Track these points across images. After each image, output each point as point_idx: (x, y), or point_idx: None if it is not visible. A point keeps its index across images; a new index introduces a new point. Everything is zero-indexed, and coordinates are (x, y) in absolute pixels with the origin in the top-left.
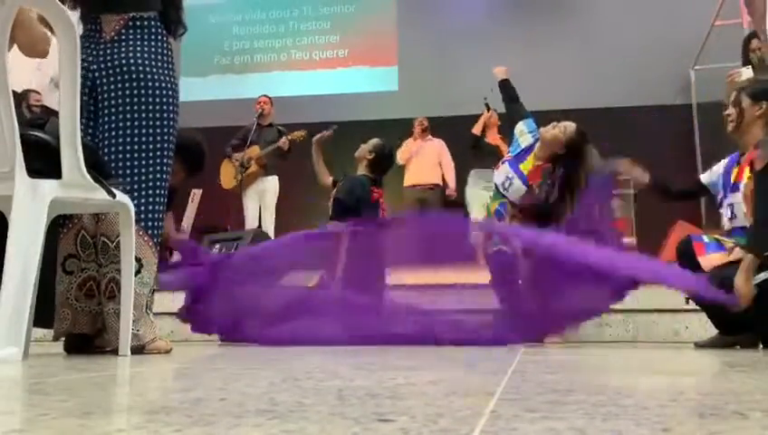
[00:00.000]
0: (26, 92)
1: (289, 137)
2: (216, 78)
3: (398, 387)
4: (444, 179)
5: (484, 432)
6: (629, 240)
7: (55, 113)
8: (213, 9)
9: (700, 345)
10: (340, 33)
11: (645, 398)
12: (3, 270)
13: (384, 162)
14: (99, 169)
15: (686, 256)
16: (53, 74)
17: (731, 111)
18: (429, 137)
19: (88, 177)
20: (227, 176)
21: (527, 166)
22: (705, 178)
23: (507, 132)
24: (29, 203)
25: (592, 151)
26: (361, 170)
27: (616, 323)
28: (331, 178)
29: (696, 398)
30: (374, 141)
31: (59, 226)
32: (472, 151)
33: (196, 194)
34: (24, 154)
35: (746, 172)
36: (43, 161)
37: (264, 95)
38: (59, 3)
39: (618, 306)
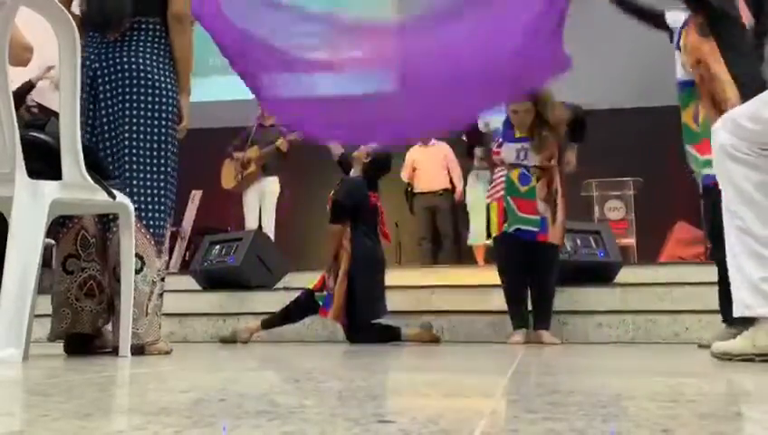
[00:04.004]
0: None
1: (287, 138)
2: (217, 79)
3: (399, 388)
4: (452, 183)
5: (485, 433)
6: (628, 241)
7: (54, 114)
8: None
9: (704, 346)
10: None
11: (645, 399)
12: (3, 271)
13: (378, 169)
14: (98, 169)
15: None
16: (54, 74)
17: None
18: (433, 142)
19: (88, 178)
20: (227, 175)
21: (522, 133)
22: (669, 18)
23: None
24: (29, 204)
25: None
26: (356, 172)
27: (616, 323)
28: (341, 149)
29: (695, 399)
30: (373, 145)
31: (59, 225)
32: (468, 156)
33: (195, 195)
34: (25, 155)
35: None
36: (43, 162)
37: None
38: (59, 3)
39: (617, 307)
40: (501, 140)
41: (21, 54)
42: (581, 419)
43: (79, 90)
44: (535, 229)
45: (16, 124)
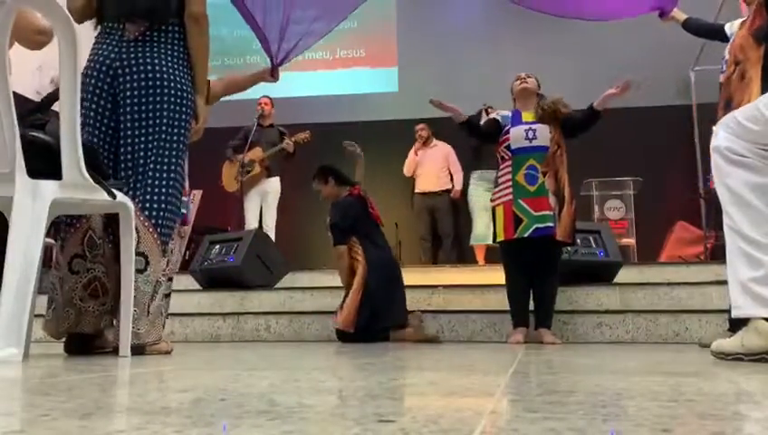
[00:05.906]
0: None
1: (293, 139)
2: (217, 78)
3: (399, 387)
4: (453, 183)
5: (485, 433)
6: (628, 240)
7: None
8: (213, 9)
9: (705, 346)
10: (341, 35)
11: (645, 399)
12: (3, 271)
13: (340, 172)
14: (98, 169)
15: None
16: (54, 75)
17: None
18: (434, 142)
19: (88, 177)
20: (229, 178)
21: (528, 116)
22: (728, 28)
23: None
24: (29, 204)
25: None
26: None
27: (616, 323)
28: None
29: (695, 399)
30: (317, 174)
31: (66, 225)
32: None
33: (196, 195)
34: (25, 155)
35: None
36: (43, 162)
37: (265, 96)
38: (58, 3)
39: (617, 306)
40: (508, 127)
41: (36, 38)
42: (582, 418)
43: (79, 89)
44: (552, 224)
45: (16, 124)
